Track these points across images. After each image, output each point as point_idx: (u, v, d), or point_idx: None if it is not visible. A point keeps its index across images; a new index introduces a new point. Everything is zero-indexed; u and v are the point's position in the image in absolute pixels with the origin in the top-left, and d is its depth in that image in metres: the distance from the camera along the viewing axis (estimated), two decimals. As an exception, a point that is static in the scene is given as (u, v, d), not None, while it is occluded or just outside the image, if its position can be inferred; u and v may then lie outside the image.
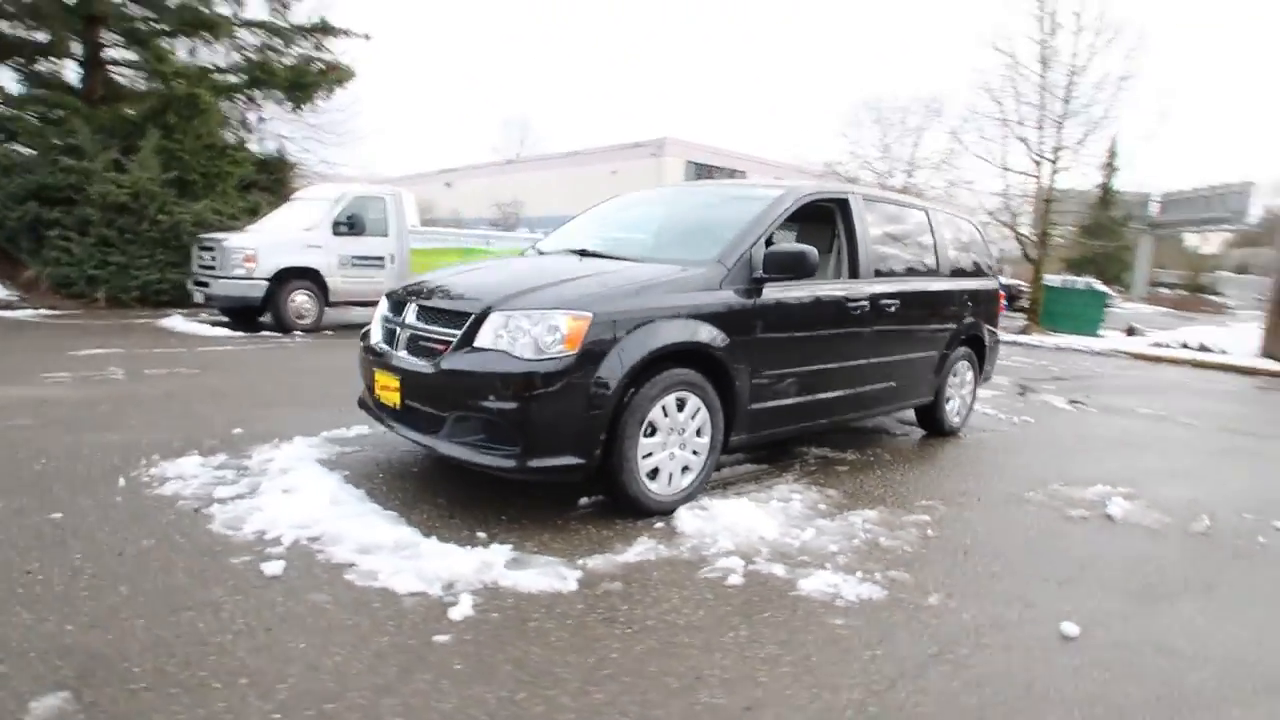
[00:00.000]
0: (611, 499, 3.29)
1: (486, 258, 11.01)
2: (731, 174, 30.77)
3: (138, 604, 2.25)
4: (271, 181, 15.47)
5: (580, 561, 2.74)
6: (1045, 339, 14.50)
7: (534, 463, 2.94)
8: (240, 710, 1.78)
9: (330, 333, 9.48)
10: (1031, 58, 16.72)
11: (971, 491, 4.02)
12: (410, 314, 3.37)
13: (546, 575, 2.60)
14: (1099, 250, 26.60)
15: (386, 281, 9.97)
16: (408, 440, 3.32)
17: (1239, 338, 15.03)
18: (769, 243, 3.69)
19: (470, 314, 3.07)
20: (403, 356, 3.30)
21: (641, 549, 2.90)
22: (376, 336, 3.63)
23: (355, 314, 11.01)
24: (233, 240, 8.85)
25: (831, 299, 4.04)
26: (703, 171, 30.13)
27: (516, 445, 2.93)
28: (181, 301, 11.66)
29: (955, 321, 5.11)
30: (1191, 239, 56.53)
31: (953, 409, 5.34)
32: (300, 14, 15.03)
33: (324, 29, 15.07)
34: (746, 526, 3.17)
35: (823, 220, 4.39)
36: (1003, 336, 7.79)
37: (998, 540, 3.33)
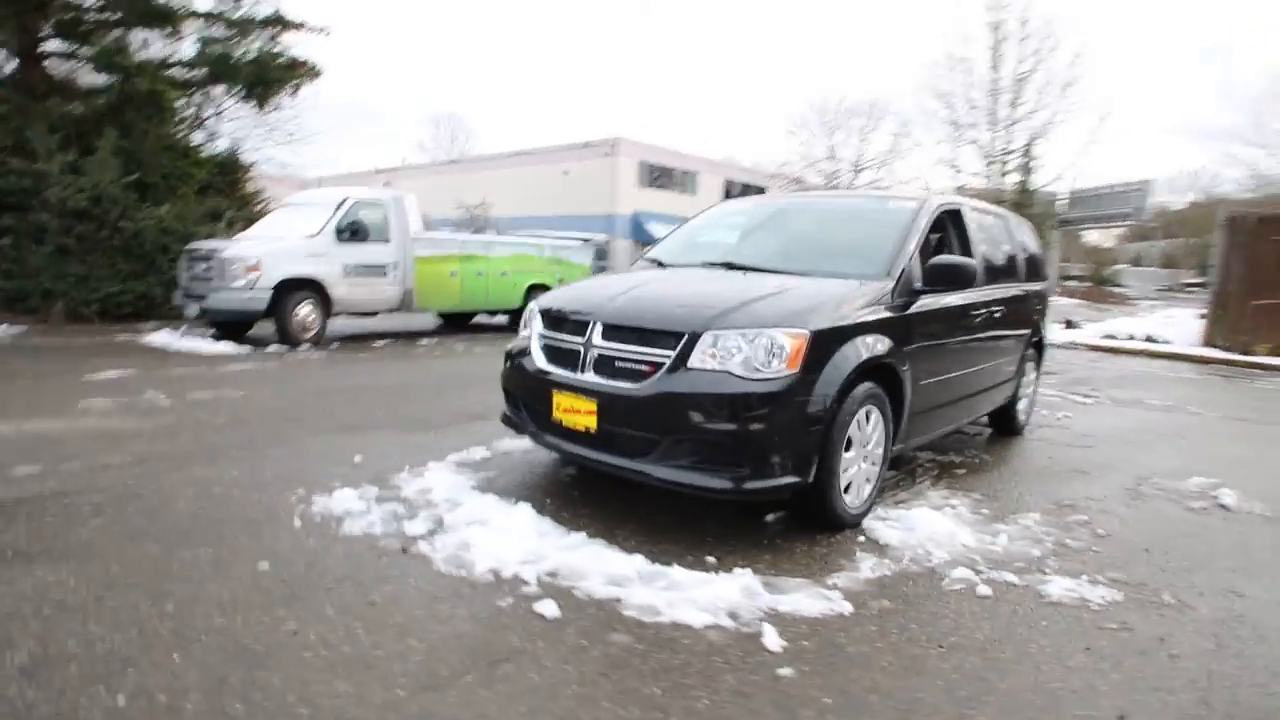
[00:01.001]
0: (805, 514, 3.29)
1: (486, 263, 10.78)
2: (685, 174, 31.05)
3: (450, 660, 2.11)
4: (226, 184, 14.61)
5: (830, 581, 2.74)
6: (1008, 332, 15.29)
7: (752, 484, 2.91)
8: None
9: (336, 344, 9.03)
10: (983, 63, 17.63)
11: (1093, 490, 4.21)
12: (597, 334, 3.26)
13: (813, 599, 2.58)
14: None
15: (390, 290, 9.61)
16: (602, 466, 3.20)
17: (1175, 328, 16.26)
18: (923, 254, 3.77)
19: (682, 333, 3.01)
20: (594, 379, 3.19)
21: (870, 564, 2.92)
22: (541, 357, 3.49)
23: (341, 324, 10.53)
24: (232, 250, 8.29)
25: (961, 306, 4.16)
26: (656, 172, 30.25)
27: (740, 467, 2.90)
28: (146, 314, 10.89)
29: (1030, 324, 5.35)
30: (1091, 234, 60.81)
31: (1022, 408, 5.58)
32: (249, 6, 14.24)
33: (280, 22, 14.30)
34: (945, 534, 3.25)
35: (935, 229, 4.50)
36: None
37: (1158, 534, 3.51)
